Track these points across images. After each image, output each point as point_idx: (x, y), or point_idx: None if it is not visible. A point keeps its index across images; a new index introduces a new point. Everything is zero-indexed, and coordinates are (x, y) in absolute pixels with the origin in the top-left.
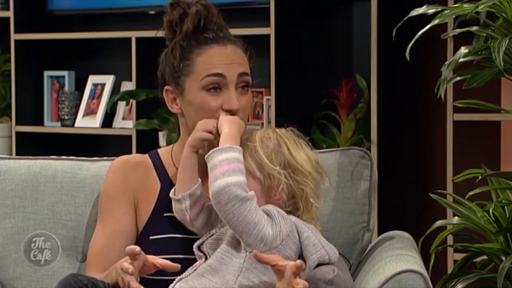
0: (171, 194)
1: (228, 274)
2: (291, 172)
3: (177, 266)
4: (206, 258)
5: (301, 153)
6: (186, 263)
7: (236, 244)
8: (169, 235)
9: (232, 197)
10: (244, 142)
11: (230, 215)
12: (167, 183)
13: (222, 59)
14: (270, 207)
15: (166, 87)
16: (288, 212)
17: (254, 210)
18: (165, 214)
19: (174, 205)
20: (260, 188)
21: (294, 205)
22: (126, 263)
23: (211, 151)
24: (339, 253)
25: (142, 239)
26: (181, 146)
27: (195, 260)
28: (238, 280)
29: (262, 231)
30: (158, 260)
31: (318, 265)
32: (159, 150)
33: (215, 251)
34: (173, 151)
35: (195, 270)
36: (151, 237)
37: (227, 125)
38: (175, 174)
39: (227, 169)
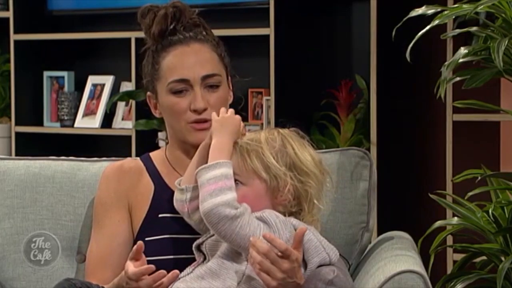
0: (176, 183)
1: (230, 279)
2: (297, 173)
3: (139, 243)
4: (204, 258)
5: (306, 153)
6: (183, 263)
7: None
8: (164, 235)
9: (221, 218)
10: (250, 142)
11: (223, 233)
12: (160, 184)
13: (183, 62)
14: (267, 213)
15: (148, 93)
16: (292, 213)
17: (247, 224)
18: (160, 215)
19: (176, 194)
20: (265, 189)
21: (298, 205)
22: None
23: (199, 168)
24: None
25: (138, 241)
26: (170, 149)
27: (192, 260)
28: (240, 286)
29: None
30: (131, 256)
31: (318, 265)
32: (150, 154)
33: (215, 252)
34: (167, 152)
35: (193, 270)
36: (146, 239)
37: (216, 134)
38: (168, 174)
39: (214, 188)
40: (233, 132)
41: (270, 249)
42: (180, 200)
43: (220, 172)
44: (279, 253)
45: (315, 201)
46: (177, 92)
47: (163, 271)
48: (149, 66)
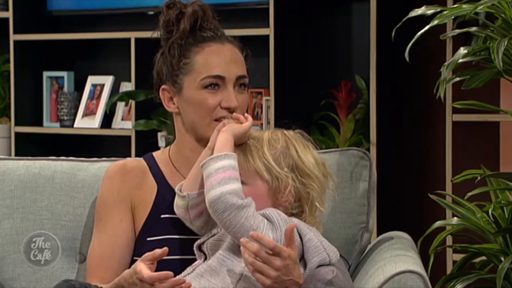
0: (176, 189)
1: (229, 277)
2: (299, 175)
3: (164, 249)
4: (205, 258)
5: (309, 156)
6: (184, 264)
7: (237, 247)
8: (166, 236)
9: (228, 206)
10: (252, 143)
11: (228, 223)
12: (163, 185)
13: (220, 59)
14: (270, 211)
15: (163, 86)
16: (293, 215)
17: (252, 216)
18: (162, 216)
19: (177, 200)
20: (267, 190)
21: (299, 207)
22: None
23: (206, 159)
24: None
25: (140, 241)
26: (177, 147)
27: (192, 261)
28: (239, 284)
29: None
30: (148, 257)
31: (318, 265)
32: (153, 153)
33: (216, 252)
34: (170, 152)
35: (194, 269)
36: (148, 239)
37: (224, 131)
38: (172, 175)
39: (223, 177)
40: (239, 136)
41: (260, 248)
42: (182, 207)
43: (228, 163)
44: (270, 251)
45: (317, 204)
46: (210, 88)
47: (170, 273)
48: (172, 59)
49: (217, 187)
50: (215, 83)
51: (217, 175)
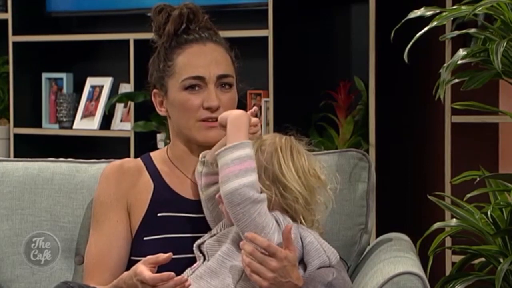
0: (201, 154)
1: (229, 278)
2: (280, 188)
3: (169, 255)
4: (204, 259)
5: (293, 168)
6: (181, 263)
7: (237, 248)
8: (163, 235)
9: (244, 199)
10: None
11: (240, 216)
12: (160, 183)
13: (201, 59)
14: (276, 214)
15: (154, 90)
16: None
17: (264, 213)
18: (159, 214)
19: (197, 165)
20: None
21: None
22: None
23: (222, 149)
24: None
25: (136, 241)
26: (171, 149)
27: (190, 260)
28: (239, 284)
29: (268, 235)
30: (151, 261)
31: (318, 268)
32: (151, 153)
33: (215, 252)
34: (168, 152)
35: (193, 272)
36: (145, 238)
37: (232, 112)
38: (169, 172)
39: (240, 169)
40: (246, 123)
41: (254, 248)
42: (198, 172)
43: (245, 153)
44: (266, 252)
45: (301, 217)
46: (190, 89)
47: (172, 273)
48: (159, 62)
49: (234, 179)
50: (196, 84)
51: (234, 166)
